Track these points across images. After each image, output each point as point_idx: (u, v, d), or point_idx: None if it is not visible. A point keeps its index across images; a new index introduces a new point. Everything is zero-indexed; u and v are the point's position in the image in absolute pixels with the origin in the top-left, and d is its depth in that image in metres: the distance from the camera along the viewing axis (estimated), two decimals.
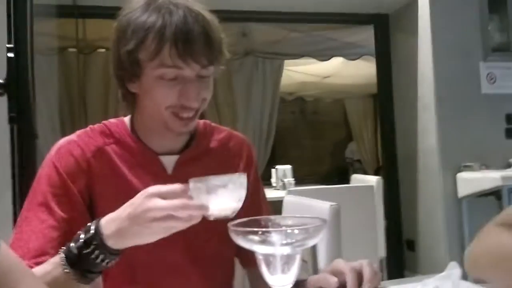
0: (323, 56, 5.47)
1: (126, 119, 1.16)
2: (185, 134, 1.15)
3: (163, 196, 0.84)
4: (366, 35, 4.63)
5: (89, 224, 0.89)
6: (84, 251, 0.87)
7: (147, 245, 1.07)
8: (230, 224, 0.73)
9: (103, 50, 4.80)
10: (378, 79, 4.31)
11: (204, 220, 1.11)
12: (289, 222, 0.79)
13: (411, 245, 4.01)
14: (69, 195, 1.04)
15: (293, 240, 0.70)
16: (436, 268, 3.61)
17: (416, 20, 3.82)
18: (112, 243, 0.87)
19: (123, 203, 1.06)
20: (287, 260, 0.71)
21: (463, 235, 3.51)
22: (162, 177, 1.11)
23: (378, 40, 4.29)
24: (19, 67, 1.50)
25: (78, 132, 1.13)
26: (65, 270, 0.88)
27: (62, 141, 1.11)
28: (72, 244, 0.88)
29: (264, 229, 0.71)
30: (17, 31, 1.58)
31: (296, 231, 0.71)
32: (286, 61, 5.88)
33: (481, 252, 0.94)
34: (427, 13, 3.68)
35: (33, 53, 1.65)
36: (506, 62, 3.74)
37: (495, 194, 3.36)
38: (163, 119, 1.06)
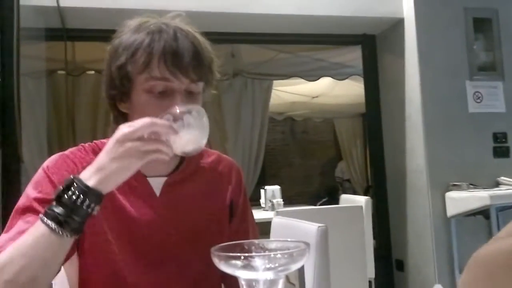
0: (312, 76, 5.51)
1: None
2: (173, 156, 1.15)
3: (131, 124, 0.91)
4: (354, 56, 4.68)
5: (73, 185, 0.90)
6: (64, 197, 0.87)
7: (136, 268, 1.07)
8: (213, 249, 0.72)
9: (92, 72, 4.81)
10: (366, 99, 4.34)
11: (190, 243, 1.11)
12: (273, 246, 0.78)
13: (400, 265, 3.99)
14: None
15: (276, 265, 0.70)
16: None
17: (402, 40, 3.87)
18: (93, 183, 0.88)
19: (111, 222, 1.06)
20: (270, 285, 0.70)
21: (452, 255, 3.50)
22: (151, 199, 1.12)
23: (366, 61, 4.33)
24: (5, 92, 1.49)
25: (70, 149, 1.14)
26: (47, 224, 0.86)
27: (55, 155, 1.11)
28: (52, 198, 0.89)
29: (247, 254, 0.70)
30: (4, 56, 1.57)
31: (279, 256, 0.71)
32: (275, 82, 5.92)
33: None
34: (413, 33, 3.73)
35: (19, 77, 1.65)
36: (492, 81, 3.78)
37: (484, 213, 3.37)
38: None
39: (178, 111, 0.96)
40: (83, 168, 1.07)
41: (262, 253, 0.72)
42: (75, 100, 4.88)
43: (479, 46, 3.82)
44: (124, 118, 1.12)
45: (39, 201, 1.01)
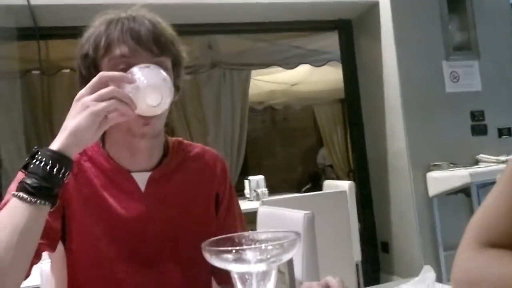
0: (290, 64, 5.51)
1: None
2: (155, 150, 1.15)
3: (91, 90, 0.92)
4: (331, 41, 4.68)
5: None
6: (30, 166, 0.86)
7: (125, 266, 1.06)
8: (203, 244, 0.72)
9: (67, 70, 4.73)
10: (344, 84, 4.36)
11: (177, 238, 1.11)
12: (263, 237, 0.78)
13: (386, 247, 4.05)
14: None
15: (268, 256, 0.69)
16: (411, 268, 3.66)
17: (378, 24, 3.88)
18: (56, 146, 0.88)
19: (97, 221, 1.05)
20: (263, 276, 0.70)
21: (435, 234, 3.56)
22: (136, 195, 1.11)
23: (343, 46, 4.34)
24: None
25: None
26: (18, 196, 0.85)
27: None
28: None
29: (238, 247, 0.70)
30: None
31: (270, 247, 0.70)
32: (254, 71, 5.90)
33: (469, 284, 0.82)
34: (388, 16, 3.75)
35: None
36: (468, 60, 3.83)
37: (465, 191, 3.42)
38: (127, 124, 1.05)
39: (136, 67, 0.98)
40: None
41: (253, 246, 0.72)
42: (51, 100, 4.80)
43: (454, 26, 3.86)
44: None
45: None
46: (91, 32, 1.07)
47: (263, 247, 0.70)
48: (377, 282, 3.97)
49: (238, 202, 1.29)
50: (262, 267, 0.69)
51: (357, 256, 3.39)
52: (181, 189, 1.16)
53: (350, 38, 4.29)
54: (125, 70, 1.00)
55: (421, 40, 3.74)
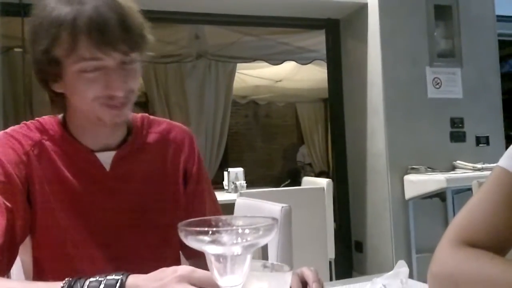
0: (276, 60, 5.52)
1: (60, 117, 1.13)
2: (119, 128, 1.12)
3: (195, 283, 0.78)
4: (318, 40, 4.70)
5: (113, 276, 0.80)
6: None
7: (90, 245, 1.05)
8: (180, 224, 0.71)
9: None
10: (329, 83, 4.38)
11: (144, 217, 1.10)
12: (240, 222, 0.78)
13: (360, 246, 4.09)
14: (12, 183, 1.00)
15: (244, 240, 0.70)
16: (383, 269, 3.68)
17: (366, 25, 3.90)
18: None
19: (61, 202, 1.04)
20: (238, 260, 0.70)
21: (409, 236, 3.61)
22: (101, 175, 1.09)
23: (329, 45, 4.35)
24: None
25: (11, 127, 1.09)
26: None
27: None
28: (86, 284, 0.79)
29: (214, 229, 0.70)
30: None
31: (247, 231, 0.70)
32: (239, 65, 5.90)
33: (445, 277, 0.85)
34: (376, 19, 3.77)
35: None
36: (451, 67, 3.88)
37: (440, 196, 3.47)
38: (94, 113, 1.02)
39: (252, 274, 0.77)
40: (29, 145, 1.05)
41: (230, 228, 0.72)
42: (32, 79, 4.71)
43: (440, 33, 3.90)
44: (60, 98, 1.08)
45: None
46: (49, 19, 0.96)
47: (239, 231, 0.70)
48: None
49: (208, 179, 1.26)
50: (237, 250, 0.69)
51: (330, 253, 3.41)
52: (148, 167, 1.14)
53: (337, 38, 4.30)
54: (95, 69, 0.98)
55: (407, 45, 3.78)
